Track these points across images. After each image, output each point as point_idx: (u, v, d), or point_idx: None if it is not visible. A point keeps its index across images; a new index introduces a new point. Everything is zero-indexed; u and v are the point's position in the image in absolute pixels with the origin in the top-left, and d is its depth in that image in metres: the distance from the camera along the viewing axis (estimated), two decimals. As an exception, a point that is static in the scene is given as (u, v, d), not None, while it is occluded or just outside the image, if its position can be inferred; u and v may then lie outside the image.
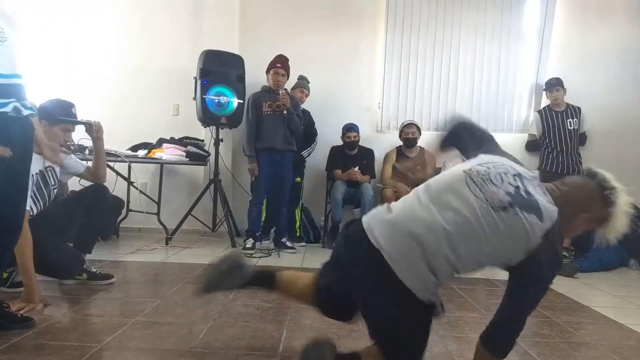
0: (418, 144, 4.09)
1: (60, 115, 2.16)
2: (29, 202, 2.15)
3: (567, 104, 4.13)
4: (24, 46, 4.20)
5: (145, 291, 2.41)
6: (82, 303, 2.10)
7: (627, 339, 1.94)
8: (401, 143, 4.12)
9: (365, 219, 1.33)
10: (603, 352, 1.76)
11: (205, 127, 3.98)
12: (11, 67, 1.54)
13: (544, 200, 1.26)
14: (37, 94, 3.30)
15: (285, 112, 3.53)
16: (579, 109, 4.13)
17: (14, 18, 1.57)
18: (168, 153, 3.67)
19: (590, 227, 1.36)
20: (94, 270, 2.45)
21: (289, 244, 3.71)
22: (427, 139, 4.22)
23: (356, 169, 3.95)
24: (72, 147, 3.30)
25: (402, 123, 4.11)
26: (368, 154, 4.15)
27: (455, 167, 1.38)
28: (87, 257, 2.48)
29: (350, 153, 4.09)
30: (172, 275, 2.73)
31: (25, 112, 1.55)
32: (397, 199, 4.24)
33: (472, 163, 1.34)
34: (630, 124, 4.31)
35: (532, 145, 4.32)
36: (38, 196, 2.26)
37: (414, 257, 1.21)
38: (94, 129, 2.41)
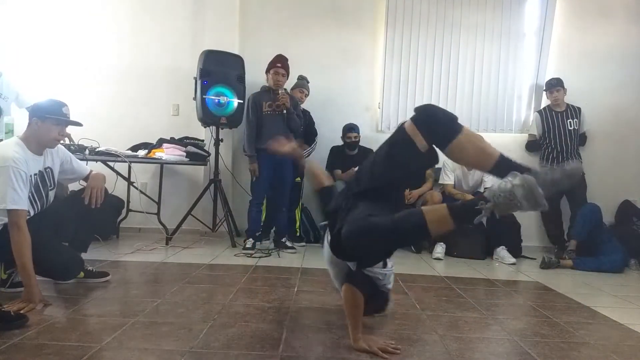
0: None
1: (50, 112, 2.20)
2: (27, 203, 2.15)
3: (567, 104, 4.13)
4: (23, 47, 4.22)
5: (145, 291, 2.40)
6: (82, 303, 2.10)
7: (627, 339, 1.94)
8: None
9: None
10: (603, 352, 1.75)
11: (205, 127, 3.98)
12: None
13: None
14: (36, 94, 3.31)
15: (285, 111, 3.53)
16: (579, 109, 4.13)
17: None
18: (168, 153, 3.67)
19: None
20: (90, 268, 2.47)
21: (289, 244, 3.71)
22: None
23: (356, 169, 3.94)
24: (72, 147, 3.32)
25: (400, 123, 4.12)
26: (368, 154, 4.13)
27: None
28: (85, 256, 2.48)
29: (351, 153, 4.09)
30: (172, 275, 2.73)
31: None
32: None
33: None
34: (630, 124, 4.31)
35: (532, 146, 4.32)
36: (36, 197, 2.26)
37: None
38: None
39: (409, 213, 1.49)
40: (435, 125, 1.55)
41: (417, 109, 1.63)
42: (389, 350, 1.61)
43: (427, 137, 1.55)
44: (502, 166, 1.49)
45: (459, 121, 1.57)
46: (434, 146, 1.59)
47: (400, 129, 1.64)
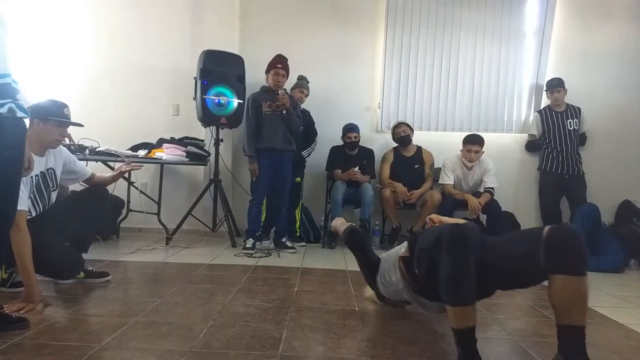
0: (415, 143, 4.11)
1: (52, 113, 2.20)
2: (28, 203, 2.15)
3: (567, 104, 4.13)
4: (23, 47, 4.21)
5: (145, 291, 2.40)
6: (82, 303, 2.10)
7: (627, 339, 1.94)
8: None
9: None
10: (603, 352, 1.76)
11: (205, 127, 3.98)
12: (3, 67, 1.53)
13: None
14: (36, 94, 3.31)
15: (284, 111, 3.53)
16: (579, 109, 4.13)
17: (5, 16, 1.56)
18: (168, 153, 3.67)
19: None
20: (90, 268, 2.47)
21: (289, 244, 3.71)
22: (425, 138, 4.24)
23: (356, 169, 3.95)
24: (72, 147, 3.32)
25: (392, 125, 4.17)
26: (368, 154, 4.15)
27: None
28: (85, 256, 2.49)
29: (351, 153, 4.09)
30: (172, 275, 2.73)
31: (20, 114, 1.56)
32: (395, 199, 4.23)
33: None
34: (630, 124, 4.31)
35: (532, 146, 4.32)
36: (38, 198, 2.26)
37: None
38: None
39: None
40: (564, 253, 1.36)
41: (559, 229, 1.41)
42: None
43: (547, 257, 1.36)
44: (575, 336, 1.42)
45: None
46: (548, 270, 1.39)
47: (537, 230, 1.44)
